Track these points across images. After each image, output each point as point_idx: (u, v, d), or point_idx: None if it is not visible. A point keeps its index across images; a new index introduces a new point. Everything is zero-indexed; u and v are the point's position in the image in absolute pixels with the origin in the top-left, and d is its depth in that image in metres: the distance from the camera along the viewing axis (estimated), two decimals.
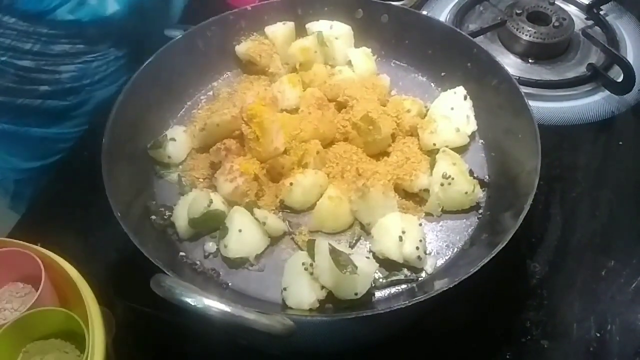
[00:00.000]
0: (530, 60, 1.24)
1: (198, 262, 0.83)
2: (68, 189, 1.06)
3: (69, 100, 1.19)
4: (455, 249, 0.85)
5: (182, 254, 0.84)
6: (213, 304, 0.62)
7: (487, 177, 0.93)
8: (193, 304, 0.62)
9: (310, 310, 0.75)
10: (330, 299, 0.76)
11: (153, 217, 0.86)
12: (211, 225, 0.84)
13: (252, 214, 0.83)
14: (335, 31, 1.05)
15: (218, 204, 0.84)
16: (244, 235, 0.81)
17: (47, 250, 0.77)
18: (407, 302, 0.67)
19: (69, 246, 0.91)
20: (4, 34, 1.05)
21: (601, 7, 1.34)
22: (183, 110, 1.04)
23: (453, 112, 0.95)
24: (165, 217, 0.86)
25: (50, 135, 1.21)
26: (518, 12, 1.26)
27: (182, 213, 0.84)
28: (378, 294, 0.80)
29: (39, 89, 1.14)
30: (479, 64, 0.99)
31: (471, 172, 0.88)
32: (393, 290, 0.80)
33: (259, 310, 0.64)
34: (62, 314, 0.71)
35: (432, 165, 0.88)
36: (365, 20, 1.09)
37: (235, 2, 1.31)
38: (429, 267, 0.82)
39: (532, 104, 0.89)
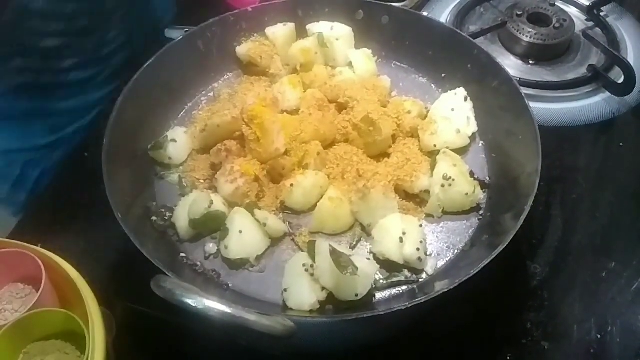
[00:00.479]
0: (530, 62, 1.24)
1: (198, 263, 0.83)
2: (69, 190, 1.06)
3: (91, 70, 1.22)
4: (456, 250, 0.85)
5: (182, 255, 0.84)
6: (213, 305, 0.62)
7: (487, 178, 0.93)
8: (193, 305, 0.62)
9: (311, 311, 0.75)
10: (331, 300, 0.76)
11: (153, 218, 0.86)
12: (212, 226, 0.84)
13: (253, 215, 0.83)
14: (335, 32, 1.06)
15: (219, 205, 0.84)
16: (244, 236, 0.81)
17: (47, 251, 0.77)
18: (407, 303, 0.67)
19: (70, 247, 0.92)
20: (32, 19, 1.06)
21: (602, 8, 1.34)
22: (184, 111, 1.04)
23: (453, 114, 0.95)
24: (166, 218, 0.86)
25: (69, 107, 1.23)
26: (518, 13, 1.26)
27: (183, 214, 0.84)
28: (378, 295, 0.80)
29: (62, 64, 1.15)
30: (480, 65, 0.99)
31: (472, 174, 0.88)
32: (394, 291, 0.80)
33: (260, 311, 0.64)
34: (62, 315, 0.71)
35: (432, 167, 0.88)
36: (366, 22, 1.09)
37: (236, 3, 1.31)
38: (430, 268, 0.82)
39: (533, 105, 0.89)
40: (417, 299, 0.68)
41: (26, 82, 1.13)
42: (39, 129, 1.23)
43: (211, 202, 0.83)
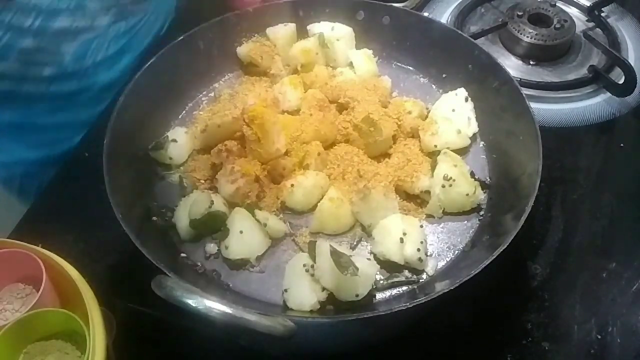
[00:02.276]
0: (531, 62, 1.24)
1: (199, 264, 0.83)
2: (69, 190, 1.06)
3: (73, 85, 1.17)
4: (456, 251, 0.85)
5: (183, 255, 0.84)
6: (214, 306, 0.62)
7: (488, 178, 0.93)
8: (194, 305, 0.62)
9: (311, 311, 0.75)
10: (331, 300, 0.76)
11: (154, 218, 0.86)
12: (212, 226, 0.84)
13: (253, 215, 0.83)
14: (336, 33, 1.06)
15: (219, 205, 0.84)
16: (245, 236, 0.81)
17: (48, 251, 0.77)
18: (408, 303, 0.67)
19: (70, 247, 0.92)
20: (4, 9, 1.01)
21: (602, 8, 1.33)
22: (184, 111, 1.04)
23: (454, 114, 0.95)
24: (167, 218, 0.86)
25: (56, 123, 1.19)
26: (519, 14, 1.25)
27: (183, 214, 0.84)
28: (379, 296, 0.80)
29: (42, 72, 1.11)
30: (480, 65, 0.99)
31: (472, 174, 0.88)
32: (394, 292, 0.80)
33: (260, 311, 0.64)
34: (62, 315, 0.71)
35: (433, 167, 0.88)
36: (367, 22, 1.09)
37: (237, 3, 1.31)
38: (430, 268, 0.82)
39: (533, 105, 0.89)
40: (417, 300, 0.68)
41: (9, 89, 1.11)
42: (27, 143, 1.21)
43: (212, 203, 0.83)
